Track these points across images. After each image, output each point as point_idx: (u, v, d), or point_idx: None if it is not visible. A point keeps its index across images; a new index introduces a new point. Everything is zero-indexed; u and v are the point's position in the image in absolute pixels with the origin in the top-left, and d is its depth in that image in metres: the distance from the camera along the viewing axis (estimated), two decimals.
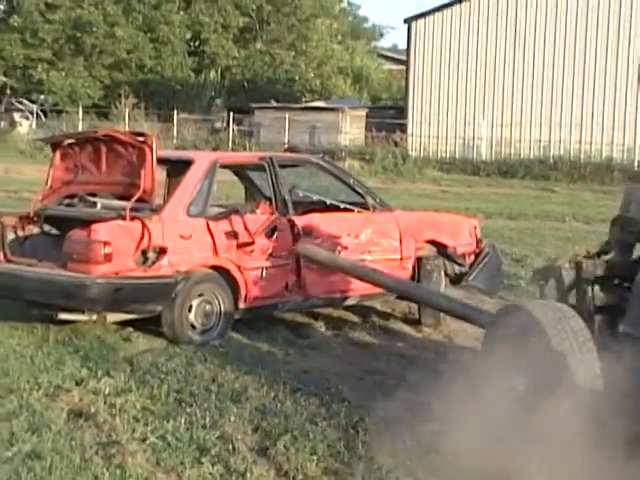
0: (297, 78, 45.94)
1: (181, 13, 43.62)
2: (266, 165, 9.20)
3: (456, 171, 28.90)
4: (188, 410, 6.33)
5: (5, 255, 8.76)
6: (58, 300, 8.19)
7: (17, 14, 42.49)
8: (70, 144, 9.23)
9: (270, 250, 8.80)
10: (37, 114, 40.07)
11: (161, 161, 8.93)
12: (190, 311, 8.34)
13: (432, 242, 9.90)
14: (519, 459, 4.89)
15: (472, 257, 10.03)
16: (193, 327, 8.37)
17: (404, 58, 44.86)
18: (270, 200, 9.19)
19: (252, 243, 8.64)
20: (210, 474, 5.30)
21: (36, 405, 6.40)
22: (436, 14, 34.88)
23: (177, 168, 9.09)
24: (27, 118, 39.68)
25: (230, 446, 5.70)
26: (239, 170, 10.45)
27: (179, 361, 7.62)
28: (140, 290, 8.19)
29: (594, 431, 4.78)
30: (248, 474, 5.29)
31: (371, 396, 6.76)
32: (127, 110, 36.95)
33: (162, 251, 8.19)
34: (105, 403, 6.47)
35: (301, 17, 44.84)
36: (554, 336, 5.25)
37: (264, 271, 8.76)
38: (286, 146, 25.40)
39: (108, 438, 5.82)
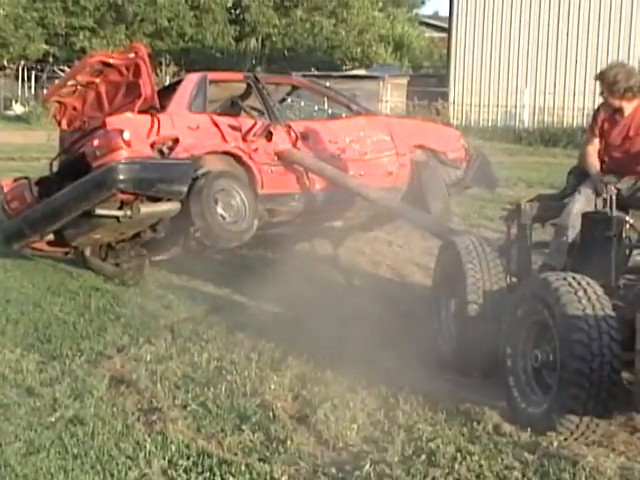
0: (338, 46, 45.64)
1: None
2: (251, 82, 9.98)
3: (498, 139, 28.54)
4: (228, 378, 6.35)
5: (35, 199, 9.20)
6: (92, 193, 8.48)
7: None
8: (68, 93, 9.49)
9: (272, 152, 9.39)
10: None
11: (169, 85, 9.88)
12: (217, 204, 8.72)
13: (421, 147, 10.39)
14: None
15: (464, 164, 10.62)
16: (223, 218, 8.76)
17: (445, 25, 44.40)
18: (261, 111, 9.90)
19: (254, 140, 9.26)
20: (251, 441, 5.31)
21: (78, 371, 6.46)
22: None
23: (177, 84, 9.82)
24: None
25: (270, 414, 5.72)
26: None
27: (219, 329, 7.66)
28: (163, 170, 8.67)
29: None
30: (288, 442, 5.30)
31: (411, 365, 6.74)
32: (168, 78, 36.95)
33: (175, 141, 8.77)
34: (146, 370, 6.51)
35: None
36: (467, 263, 6.65)
37: (272, 167, 9.38)
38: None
39: (149, 405, 5.86)
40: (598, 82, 6.90)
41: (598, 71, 6.96)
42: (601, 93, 6.90)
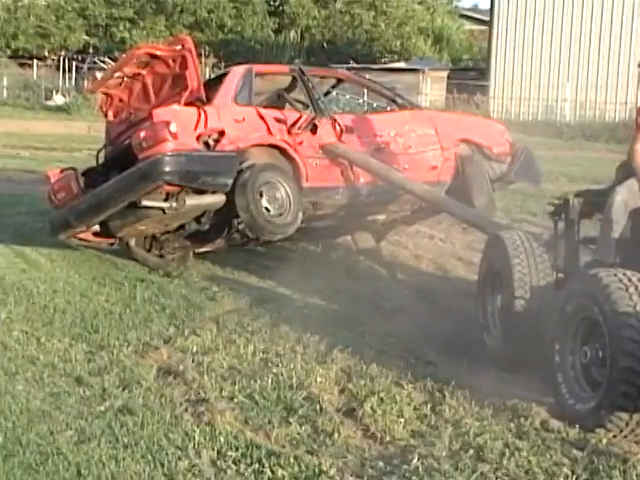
0: (377, 38, 45.57)
1: None
2: (296, 74, 9.97)
3: (539, 133, 28.35)
4: (274, 370, 6.37)
5: (81, 190, 9.26)
6: (138, 185, 8.56)
7: None
8: (115, 85, 9.55)
9: (316, 145, 9.40)
10: None
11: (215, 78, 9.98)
12: (261, 196, 8.73)
13: (466, 141, 10.34)
14: None
15: (508, 158, 10.55)
16: (268, 211, 8.77)
17: (485, 18, 44.24)
18: (306, 104, 9.89)
19: (299, 133, 9.27)
20: (298, 434, 5.33)
21: (126, 361, 6.51)
22: None
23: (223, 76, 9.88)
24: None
25: (317, 407, 5.73)
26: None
27: (264, 321, 7.67)
28: (209, 162, 8.72)
29: None
30: (336, 435, 5.31)
31: (457, 360, 6.74)
32: (207, 70, 37.08)
33: (221, 133, 8.78)
34: (193, 361, 6.55)
35: None
36: (514, 257, 6.63)
37: (317, 160, 9.37)
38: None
39: (197, 396, 5.89)
40: None
41: None
42: None
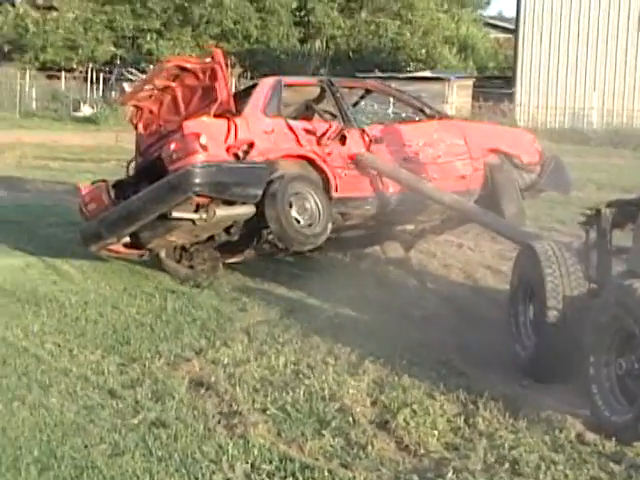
0: (402, 47, 45.53)
1: None
2: (325, 86, 10.00)
3: (566, 141, 28.20)
4: (306, 382, 6.36)
5: (112, 202, 9.31)
6: (169, 196, 8.62)
7: None
8: (146, 97, 9.58)
9: (346, 155, 9.40)
10: None
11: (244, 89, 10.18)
12: (291, 207, 8.76)
13: (495, 151, 10.30)
14: None
15: (538, 168, 10.50)
16: (297, 221, 8.80)
17: (510, 26, 44.08)
18: (335, 115, 9.90)
19: (328, 144, 9.28)
20: (331, 446, 5.32)
21: (158, 373, 6.51)
22: None
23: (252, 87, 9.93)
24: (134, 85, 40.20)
25: (350, 419, 5.72)
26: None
27: (295, 332, 7.67)
28: (239, 173, 8.75)
29: None
30: (369, 447, 5.30)
31: (490, 371, 6.71)
32: (233, 80, 37.17)
33: (250, 145, 8.80)
34: (224, 373, 6.55)
35: None
36: (546, 267, 6.59)
37: (346, 170, 9.37)
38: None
39: (229, 408, 5.89)
40: None
41: None
42: None
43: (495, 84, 36.98)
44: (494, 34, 52.99)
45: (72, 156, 21.23)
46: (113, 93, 37.67)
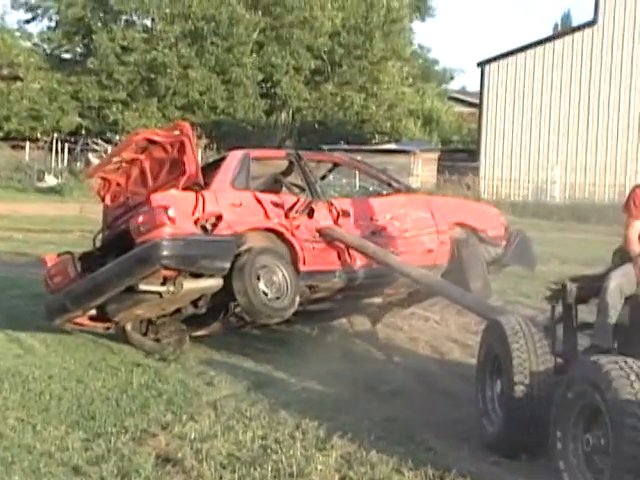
0: (367, 120, 46.04)
1: (254, 55, 44.04)
2: (293, 159, 10.07)
3: (529, 215, 28.59)
4: (274, 457, 6.30)
5: (78, 275, 9.29)
6: (136, 269, 8.61)
7: (93, 57, 43.30)
8: (112, 170, 9.63)
9: (313, 229, 9.46)
10: None
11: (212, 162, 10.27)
12: (259, 280, 8.77)
13: (461, 225, 10.40)
14: None
15: (503, 242, 10.61)
16: (265, 294, 8.80)
17: (473, 100, 44.79)
18: (302, 188, 9.97)
19: (296, 217, 9.34)
20: None
21: (124, 449, 6.42)
22: (509, 58, 34.79)
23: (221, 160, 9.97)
24: (101, 158, 40.26)
25: None
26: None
27: (262, 406, 7.61)
28: (206, 246, 8.78)
29: None
30: None
31: (457, 446, 6.69)
32: (200, 151, 37.32)
33: (218, 217, 8.85)
34: (191, 449, 6.46)
35: (372, 60, 44.95)
36: (513, 342, 6.63)
37: (313, 244, 9.42)
38: None
39: None
40: None
41: None
42: None
43: (460, 157, 37.44)
44: (458, 108, 53.80)
45: (36, 227, 21.16)
46: (78, 163, 37.74)
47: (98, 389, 8.04)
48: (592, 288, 6.87)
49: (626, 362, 5.53)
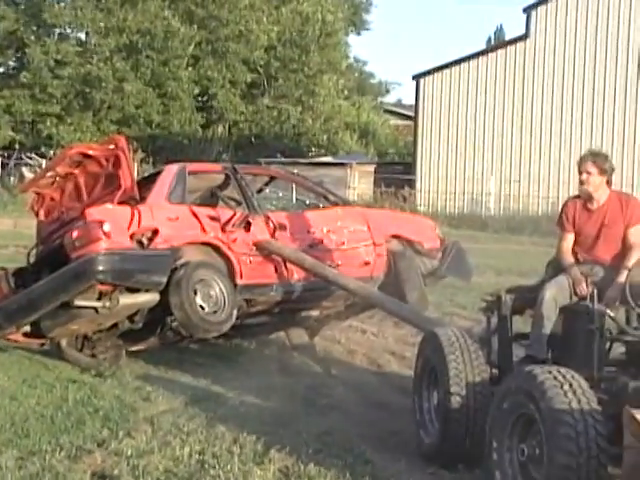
0: (304, 133, 46.14)
1: (189, 69, 43.88)
2: (229, 172, 10.07)
3: (465, 226, 28.87)
4: (211, 472, 6.27)
5: (12, 291, 9.24)
6: (71, 284, 8.53)
7: (27, 70, 42.81)
8: (46, 184, 9.56)
9: (250, 242, 9.44)
10: None
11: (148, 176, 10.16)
12: (196, 294, 8.74)
13: (397, 237, 10.47)
14: None
15: (439, 254, 10.70)
16: (202, 308, 8.79)
17: (409, 113, 45.13)
18: (239, 201, 10.00)
19: (233, 231, 9.32)
20: None
21: (59, 467, 6.33)
22: (444, 71, 35.13)
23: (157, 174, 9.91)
24: (36, 172, 39.81)
25: None
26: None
27: (199, 421, 7.57)
28: (142, 261, 8.74)
29: None
30: None
31: (395, 458, 6.72)
32: (135, 165, 37.09)
33: (155, 232, 8.81)
34: (128, 465, 6.40)
35: (308, 73, 45.07)
36: (449, 354, 6.66)
37: (250, 257, 9.41)
38: None
39: None
40: (587, 163, 6.94)
41: (587, 151, 7.10)
42: (583, 176, 6.94)
43: (396, 170, 37.65)
44: (394, 120, 54.15)
45: None
46: (12, 178, 37.28)
47: (32, 406, 7.92)
48: (527, 299, 6.96)
49: (560, 372, 5.60)
